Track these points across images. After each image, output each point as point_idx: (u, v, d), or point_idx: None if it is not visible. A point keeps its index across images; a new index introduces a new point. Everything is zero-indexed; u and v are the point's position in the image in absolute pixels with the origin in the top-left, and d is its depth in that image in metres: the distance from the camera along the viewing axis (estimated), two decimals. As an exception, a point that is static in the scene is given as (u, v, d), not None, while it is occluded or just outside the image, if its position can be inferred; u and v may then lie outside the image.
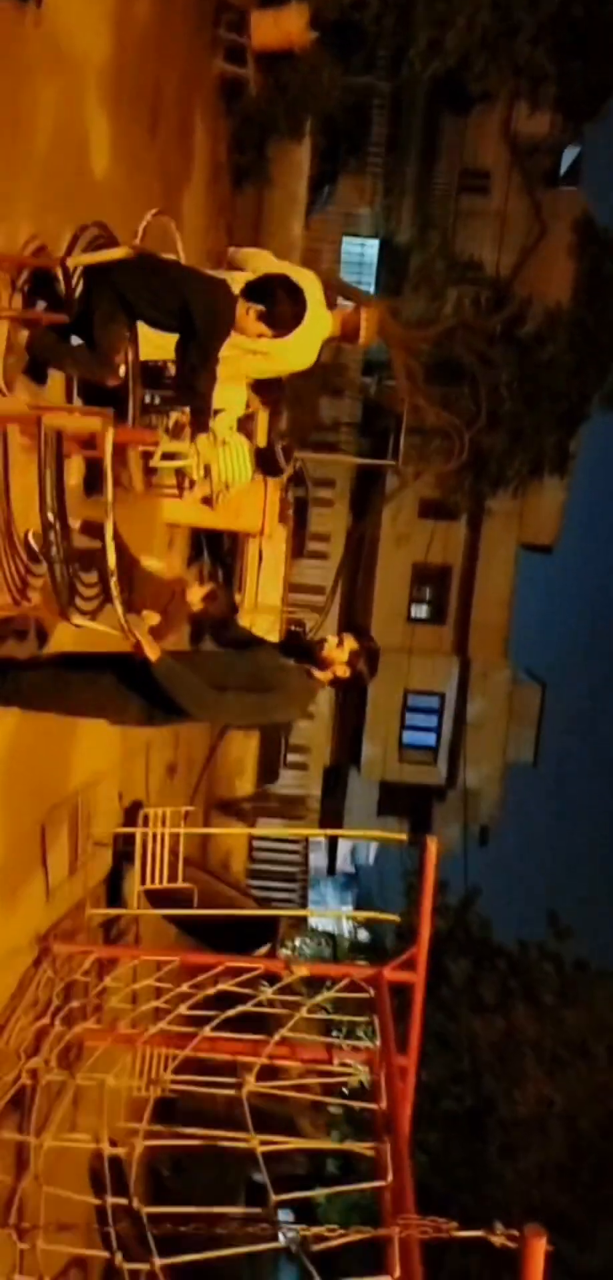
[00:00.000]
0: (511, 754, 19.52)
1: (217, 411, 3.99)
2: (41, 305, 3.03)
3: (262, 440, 5.41)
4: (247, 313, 3.36)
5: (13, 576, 3.03)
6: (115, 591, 2.73)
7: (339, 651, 3.49)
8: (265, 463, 6.05)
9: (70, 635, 3.87)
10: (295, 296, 3.57)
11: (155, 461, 2.95)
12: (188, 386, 3.14)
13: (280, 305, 3.46)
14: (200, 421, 3.22)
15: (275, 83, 9.51)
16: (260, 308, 3.40)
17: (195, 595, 3.72)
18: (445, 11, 9.10)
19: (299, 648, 3.62)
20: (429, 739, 19.34)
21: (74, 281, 2.92)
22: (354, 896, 31.89)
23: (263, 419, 4.98)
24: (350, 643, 3.51)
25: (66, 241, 2.96)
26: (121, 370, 2.77)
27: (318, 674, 3.52)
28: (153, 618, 3.81)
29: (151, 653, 3.19)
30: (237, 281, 3.72)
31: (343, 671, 3.50)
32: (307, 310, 3.66)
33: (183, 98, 7.69)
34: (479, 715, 18.91)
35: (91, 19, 4.96)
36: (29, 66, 4.07)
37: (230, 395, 4.29)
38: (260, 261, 4.64)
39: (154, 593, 3.86)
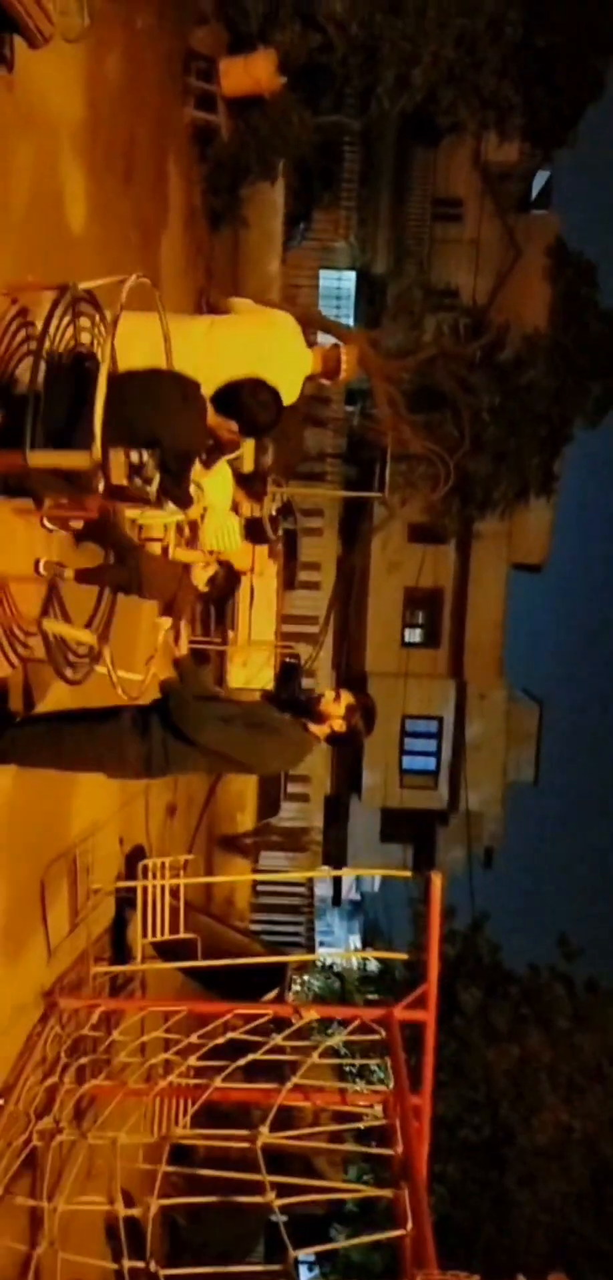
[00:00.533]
0: (511, 774, 19.48)
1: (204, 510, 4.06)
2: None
3: (247, 511, 5.49)
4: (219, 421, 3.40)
5: (8, 636, 3.04)
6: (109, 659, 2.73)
7: (336, 706, 3.54)
8: (254, 533, 6.16)
9: (66, 691, 3.87)
10: (267, 405, 3.59)
11: (140, 519, 2.96)
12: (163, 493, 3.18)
13: (253, 416, 3.49)
14: (181, 505, 3.26)
15: (247, 127, 9.64)
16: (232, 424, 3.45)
17: (200, 577, 3.73)
18: (411, 50, 9.26)
19: (295, 703, 3.65)
20: (429, 763, 19.30)
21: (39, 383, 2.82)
22: (361, 925, 31.65)
23: (247, 507, 5.04)
24: (347, 698, 3.56)
25: (42, 312, 2.95)
26: (101, 487, 2.76)
27: (314, 728, 3.54)
28: (166, 622, 3.80)
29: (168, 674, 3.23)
30: (214, 349, 3.76)
31: (339, 726, 3.53)
32: (282, 408, 3.70)
33: (156, 147, 7.80)
34: (478, 737, 18.89)
35: (63, 78, 5.03)
36: (3, 130, 4.12)
37: (216, 488, 4.33)
38: (241, 307, 4.73)
39: (162, 581, 3.85)
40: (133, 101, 6.77)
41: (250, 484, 4.82)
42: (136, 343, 3.52)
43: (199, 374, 4.25)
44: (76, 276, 5.13)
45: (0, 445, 2.80)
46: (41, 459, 2.70)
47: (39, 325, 3.11)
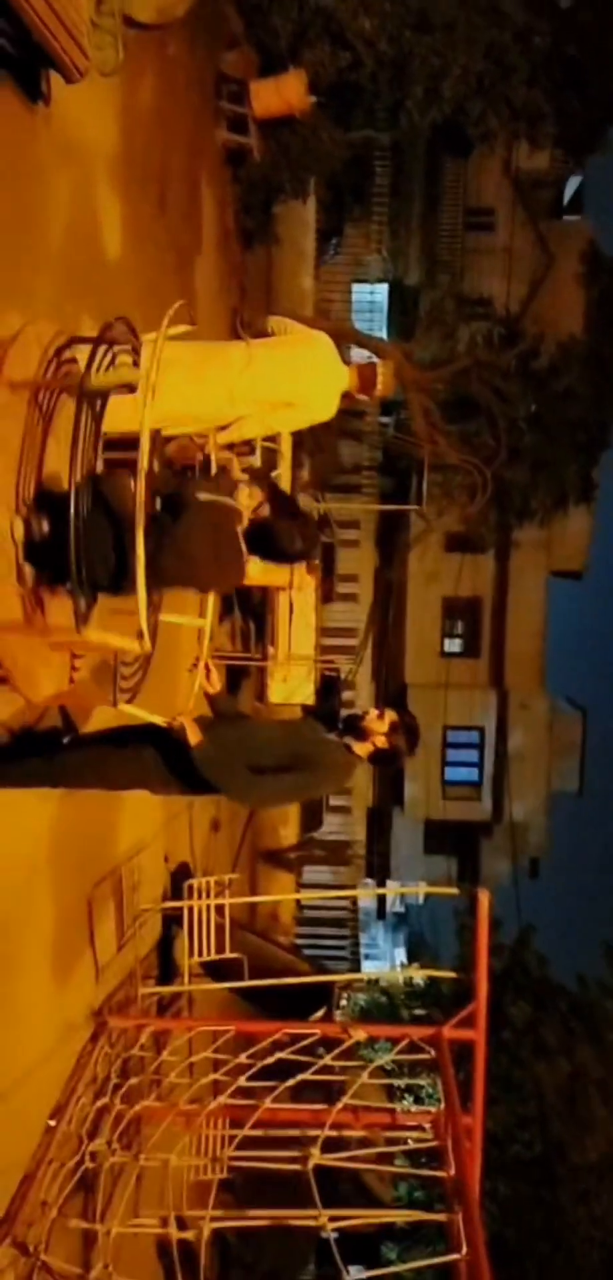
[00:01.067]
0: (555, 784, 19.28)
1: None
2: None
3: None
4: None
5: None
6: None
7: (379, 723, 3.54)
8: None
9: (110, 712, 3.91)
10: (306, 539, 3.55)
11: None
12: None
13: (292, 554, 3.48)
14: None
15: (278, 147, 9.72)
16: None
17: (245, 500, 3.64)
18: (440, 65, 9.28)
19: (338, 720, 3.66)
20: (472, 774, 19.17)
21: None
22: (406, 937, 31.44)
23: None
24: (391, 715, 3.56)
25: (85, 347, 2.97)
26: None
27: (357, 747, 3.55)
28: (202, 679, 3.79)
29: (193, 738, 3.26)
30: (254, 373, 3.77)
31: (382, 743, 3.54)
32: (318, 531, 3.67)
33: (190, 171, 7.89)
34: (521, 747, 18.73)
35: (98, 109, 5.12)
36: (41, 163, 4.20)
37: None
38: (279, 326, 4.77)
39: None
40: (166, 127, 6.87)
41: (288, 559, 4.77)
42: (170, 370, 3.56)
43: (240, 393, 4.30)
44: (115, 301, 5.23)
45: (42, 560, 2.80)
46: (95, 635, 2.73)
47: (80, 359, 3.16)
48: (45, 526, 2.80)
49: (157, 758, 3.44)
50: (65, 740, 3.78)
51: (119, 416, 3.01)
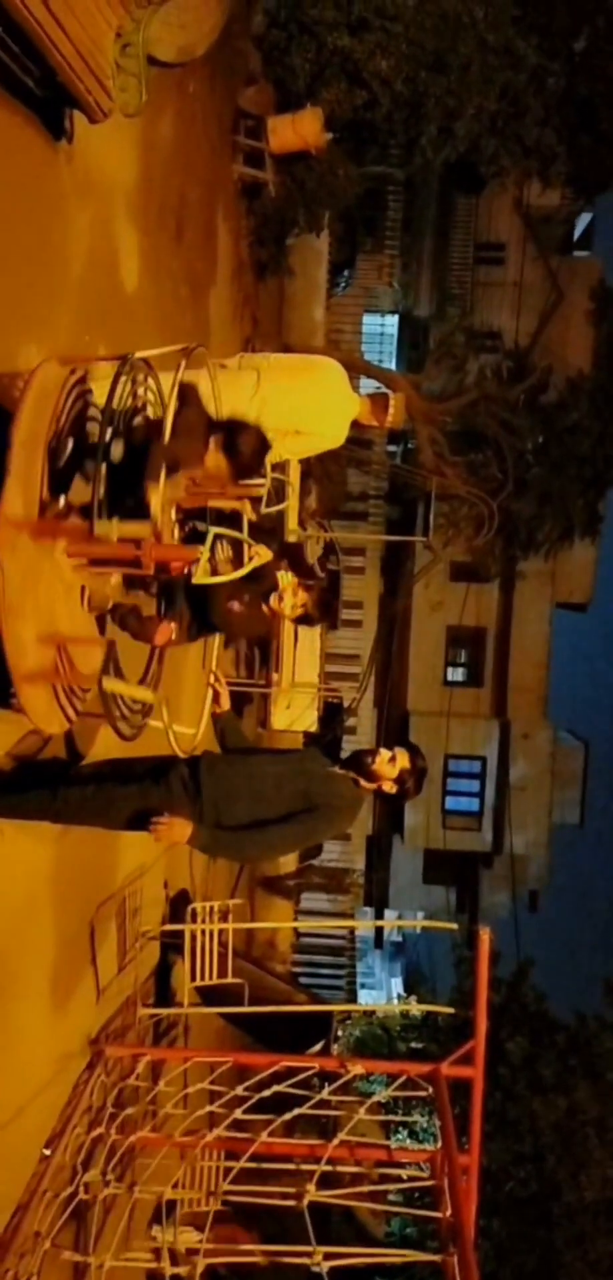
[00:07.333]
0: (556, 816, 19.23)
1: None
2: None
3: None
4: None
5: (65, 689, 3.11)
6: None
7: (390, 768, 3.47)
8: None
9: (115, 743, 3.93)
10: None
11: (198, 578, 3.01)
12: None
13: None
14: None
15: (293, 181, 9.85)
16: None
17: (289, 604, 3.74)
18: (455, 105, 9.41)
19: (340, 748, 3.67)
20: (472, 804, 19.11)
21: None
22: (402, 966, 31.30)
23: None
24: (403, 760, 3.48)
25: (97, 374, 3.04)
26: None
27: (364, 784, 3.51)
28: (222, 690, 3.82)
29: (181, 837, 3.39)
30: (263, 404, 3.85)
31: (390, 789, 3.49)
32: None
33: (206, 204, 8.00)
34: (522, 778, 18.70)
35: (119, 147, 5.21)
36: (62, 198, 4.29)
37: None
38: (277, 363, 4.85)
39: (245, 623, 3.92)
40: (184, 162, 6.98)
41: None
42: None
43: (250, 421, 4.36)
44: (131, 332, 5.30)
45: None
46: (107, 529, 2.81)
47: (95, 389, 3.22)
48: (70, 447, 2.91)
49: (161, 795, 3.43)
50: (69, 773, 3.79)
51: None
